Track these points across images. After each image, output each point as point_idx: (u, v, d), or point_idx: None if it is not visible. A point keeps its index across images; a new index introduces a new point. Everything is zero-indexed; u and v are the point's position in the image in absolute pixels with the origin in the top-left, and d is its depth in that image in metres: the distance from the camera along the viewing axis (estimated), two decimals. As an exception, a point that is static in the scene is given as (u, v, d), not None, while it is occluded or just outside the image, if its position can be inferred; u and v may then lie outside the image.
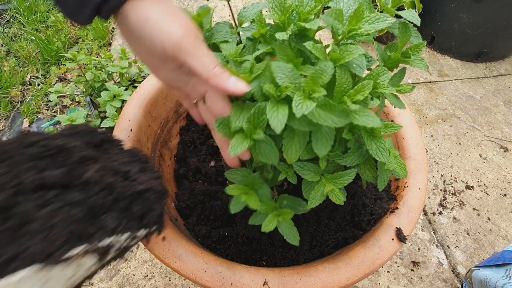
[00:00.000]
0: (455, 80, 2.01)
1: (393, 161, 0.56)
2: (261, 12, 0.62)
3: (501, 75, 2.08)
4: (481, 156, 1.65)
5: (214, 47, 0.63)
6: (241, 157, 0.59)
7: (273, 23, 0.57)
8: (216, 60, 0.50)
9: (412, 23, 0.56)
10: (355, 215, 0.83)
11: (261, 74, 0.53)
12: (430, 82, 1.99)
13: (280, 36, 0.51)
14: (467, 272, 1.20)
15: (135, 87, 1.43)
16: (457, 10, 1.93)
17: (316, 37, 0.60)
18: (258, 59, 0.60)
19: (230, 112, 0.54)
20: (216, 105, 0.55)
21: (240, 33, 0.66)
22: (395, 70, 0.61)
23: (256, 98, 0.53)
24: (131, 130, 0.89)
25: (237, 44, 0.66)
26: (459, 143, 1.70)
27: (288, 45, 0.56)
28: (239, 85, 0.50)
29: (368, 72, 0.56)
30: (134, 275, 1.18)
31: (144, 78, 1.18)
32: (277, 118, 0.46)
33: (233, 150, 0.50)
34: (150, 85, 1.01)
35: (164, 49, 0.47)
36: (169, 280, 1.17)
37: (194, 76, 0.54)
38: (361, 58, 0.51)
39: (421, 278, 1.24)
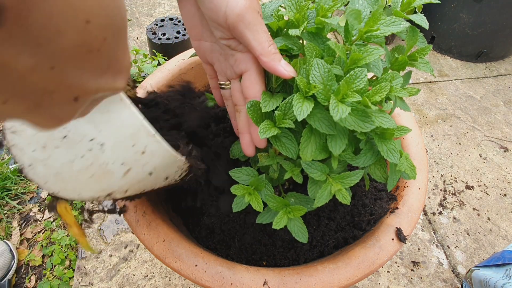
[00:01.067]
0: (455, 80, 2.01)
1: (404, 163, 0.57)
2: (279, 8, 0.63)
3: (501, 75, 2.08)
4: (481, 156, 1.65)
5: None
6: (258, 145, 0.59)
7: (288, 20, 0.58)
8: (272, 40, 0.51)
9: (418, 26, 0.57)
10: (355, 215, 0.83)
11: (300, 65, 0.54)
12: (430, 82, 1.99)
13: (293, 32, 0.52)
14: (467, 272, 1.20)
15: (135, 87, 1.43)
16: (457, 10, 1.93)
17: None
18: None
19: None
20: (252, 87, 0.55)
21: None
22: (401, 73, 0.62)
23: (290, 82, 0.54)
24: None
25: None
26: (459, 143, 1.70)
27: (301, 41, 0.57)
28: (288, 69, 0.51)
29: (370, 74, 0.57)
30: (134, 275, 1.18)
31: (144, 78, 1.18)
32: (301, 108, 0.48)
33: (262, 132, 0.52)
34: (150, 85, 1.01)
35: (226, 17, 0.48)
36: (169, 280, 1.17)
37: (241, 52, 0.54)
38: (377, 59, 0.52)
39: (421, 278, 1.24)
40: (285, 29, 0.60)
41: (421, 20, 0.55)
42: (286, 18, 0.59)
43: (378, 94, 0.50)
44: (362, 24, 0.52)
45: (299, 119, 0.47)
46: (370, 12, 0.53)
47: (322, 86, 0.49)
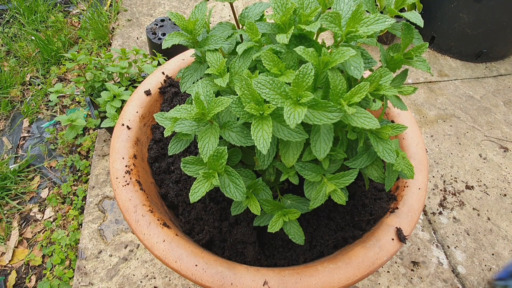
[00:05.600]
0: (455, 80, 2.01)
1: (401, 162, 0.56)
2: (264, 13, 0.62)
3: (501, 75, 2.08)
4: (481, 156, 1.65)
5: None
6: None
7: (274, 22, 0.58)
8: None
9: (414, 24, 0.56)
10: (354, 215, 0.83)
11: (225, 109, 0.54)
12: (430, 82, 1.99)
13: (281, 39, 0.51)
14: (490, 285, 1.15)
15: (135, 87, 1.43)
16: (457, 10, 1.93)
17: (322, 37, 0.60)
18: (254, 67, 0.61)
19: None
20: None
21: (243, 35, 0.66)
22: (398, 72, 0.61)
23: (241, 118, 0.54)
24: (131, 130, 0.89)
25: (237, 44, 0.66)
26: (459, 143, 1.70)
27: (287, 48, 0.57)
28: None
29: (370, 73, 0.56)
30: (134, 275, 1.18)
31: (144, 78, 1.18)
32: (262, 138, 0.47)
33: (193, 195, 0.54)
34: (150, 85, 1.01)
35: None
36: (169, 280, 1.17)
37: None
38: (358, 59, 0.51)
39: (421, 278, 1.24)
40: (264, 41, 0.60)
41: (416, 18, 0.55)
42: (271, 21, 0.59)
43: (357, 95, 0.49)
44: (344, 25, 0.51)
45: (265, 151, 0.46)
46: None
47: (274, 106, 0.48)
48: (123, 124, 0.89)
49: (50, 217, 1.42)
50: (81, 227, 1.30)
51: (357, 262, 0.66)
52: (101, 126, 1.29)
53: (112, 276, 1.17)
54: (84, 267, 1.19)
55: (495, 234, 1.39)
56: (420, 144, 0.88)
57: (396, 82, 0.61)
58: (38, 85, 1.89)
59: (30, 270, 1.28)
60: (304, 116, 0.44)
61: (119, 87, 1.32)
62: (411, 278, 1.24)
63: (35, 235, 1.37)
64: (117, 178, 0.78)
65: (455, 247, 1.34)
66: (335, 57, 0.49)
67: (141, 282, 1.16)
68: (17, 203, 1.45)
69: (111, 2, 2.32)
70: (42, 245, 1.33)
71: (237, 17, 0.67)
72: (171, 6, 2.35)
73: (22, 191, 1.48)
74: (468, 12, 1.90)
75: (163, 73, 1.05)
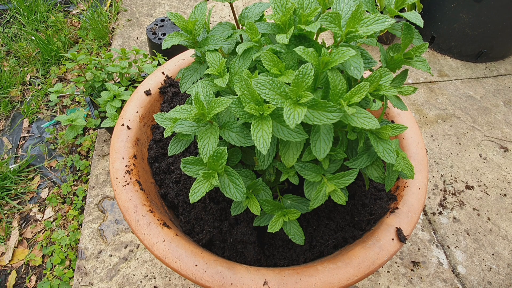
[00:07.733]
0: (455, 80, 2.01)
1: (401, 162, 0.56)
2: (263, 13, 0.62)
3: (501, 75, 2.08)
4: (481, 156, 1.65)
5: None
6: None
7: (274, 22, 0.58)
8: None
9: (414, 24, 0.56)
10: (354, 215, 0.83)
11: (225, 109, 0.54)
12: (430, 82, 1.99)
13: (281, 39, 0.51)
14: None
15: (135, 87, 1.43)
16: (457, 10, 1.93)
17: (321, 37, 0.60)
18: (254, 67, 0.61)
19: None
20: None
21: (243, 35, 0.66)
22: (398, 72, 0.61)
23: (241, 118, 0.54)
24: (131, 130, 0.89)
25: (237, 44, 0.66)
26: (459, 143, 1.70)
27: (287, 48, 0.57)
28: None
29: (370, 73, 0.56)
30: (134, 275, 1.18)
31: (144, 78, 1.18)
32: (262, 138, 0.47)
33: (192, 195, 0.55)
34: (150, 85, 1.01)
35: None
36: (169, 280, 1.17)
37: None
38: (358, 59, 0.51)
39: (421, 278, 1.24)
40: (263, 41, 0.60)
41: (416, 18, 0.55)
42: (270, 21, 0.59)
43: (357, 95, 0.49)
44: (344, 25, 0.51)
45: (264, 151, 0.46)
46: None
47: (274, 106, 0.48)
48: (123, 124, 0.89)
49: (50, 217, 1.42)
50: (81, 227, 1.30)
51: (357, 262, 0.66)
52: (101, 126, 1.29)
53: (112, 276, 1.17)
54: (84, 267, 1.19)
55: (495, 234, 1.39)
56: (420, 144, 0.88)
57: (396, 82, 0.61)
58: (38, 85, 1.89)
59: (30, 270, 1.28)
60: (303, 116, 0.44)
61: (119, 87, 1.32)
62: (411, 278, 1.24)
63: (35, 235, 1.37)
64: (117, 178, 0.78)
65: (455, 247, 1.34)
66: (335, 57, 0.49)
67: (141, 282, 1.16)
68: (17, 203, 1.45)
69: (111, 2, 2.32)
70: (42, 245, 1.33)
71: (237, 17, 0.67)
72: (171, 6, 2.35)
73: (22, 191, 1.48)
74: (468, 12, 1.90)
75: (163, 73, 1.05)
